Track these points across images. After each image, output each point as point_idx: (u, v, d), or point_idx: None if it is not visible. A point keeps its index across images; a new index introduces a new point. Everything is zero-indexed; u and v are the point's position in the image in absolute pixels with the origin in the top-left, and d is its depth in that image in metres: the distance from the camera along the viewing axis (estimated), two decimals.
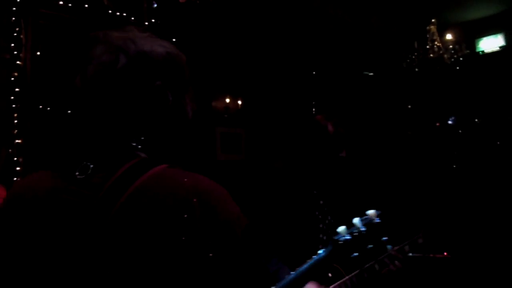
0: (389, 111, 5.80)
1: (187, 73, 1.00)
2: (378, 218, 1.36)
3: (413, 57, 5.38)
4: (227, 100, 4.95)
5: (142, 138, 0.94)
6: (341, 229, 1.39)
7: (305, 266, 1.43)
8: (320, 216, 2.15)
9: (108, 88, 0.91)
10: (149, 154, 0.95)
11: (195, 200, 0.85)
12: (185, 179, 0.88)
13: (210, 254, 0.84)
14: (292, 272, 1.97)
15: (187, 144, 1.03)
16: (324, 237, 2.12)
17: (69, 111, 4.08)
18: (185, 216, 0.83)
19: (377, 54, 5.81)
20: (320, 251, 1.42)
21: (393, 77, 5.86)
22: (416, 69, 5.41)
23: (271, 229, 2.16)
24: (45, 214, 0.88)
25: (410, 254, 1.87)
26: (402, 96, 5.95)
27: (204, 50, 4.71)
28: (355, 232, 1.36)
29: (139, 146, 0.94)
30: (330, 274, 1.95)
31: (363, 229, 1.35)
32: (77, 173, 0.91)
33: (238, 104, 5.03)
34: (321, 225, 2.13)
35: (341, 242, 1.36)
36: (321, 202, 2.17)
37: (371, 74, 5.89)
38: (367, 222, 1.37)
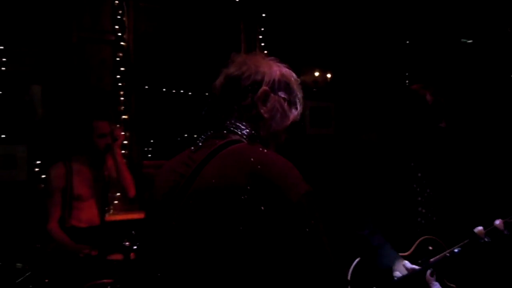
0: (491, 80, 5.41)
1: (296, 91, 1.26)
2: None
3: None
4: (316, 74, 4.93)
5: (244, 125, 1.18)
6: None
7: None
8: (418, 189, 2.11)
9: (231, 90, 1.20)
10: (248, 137, 1.17)
11: (256, 169, 1.00)
12: (252, 153, 1.05)
13: (266, 213, 0.96)
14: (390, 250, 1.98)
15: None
16: (423, 210, 2.08)
17: (163, 89, 4.32)
18: (245, 184, 0.99)
19: (476, 19, 5.42)
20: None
21: (495, 43, 5.44)
22: None
23: (369, 202, 2.16)
24: (162, 182, 1.19)
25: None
26: (505, 65, 5.51)
27: (293, 23, 4.71)
28: None
29: (236, 130, 1.16)
30: (430, 247, 1.93)
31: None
32: (192, 149, 1.18)
33: (327, 77, 4.99)
34: (419, 198, 2.10)
35: None
36: (419, 174, 2.12)
37: (470, 41, 5.52)
38: None
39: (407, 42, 5.17)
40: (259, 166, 1.01)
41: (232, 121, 1.18)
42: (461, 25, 5.39)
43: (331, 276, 0.98)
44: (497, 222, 1.71)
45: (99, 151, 3.01)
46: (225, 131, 1.17)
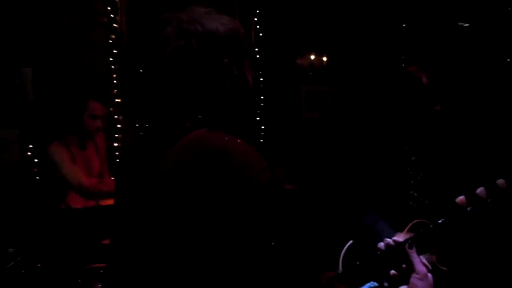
0: (487, 64, 5.40)
1: (245, 43, 1.15)
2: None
3: None
4: (312, 57, 4.90)
5: (208, 108, 1.10)
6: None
7: None
8: (411, 173, 2.11)
9: (182, 67, 1.09)
10: (212, 120, 1.09)
11: (218, 156, 0.97)
12: (214, 140, 1.01)
13: (227, 203, 0.94)
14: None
15: (271, 103, 1.16)
16: (415, 194, 2.08)
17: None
18: (207, 171, 0.97)
19: (473, 2, 5.38)
20: None
21: (493, 27, 5.41)
22: None
23: (361, 185, 2.16)
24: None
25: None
26: (501, 49, 5.49)
27: (288, 6, 4.67)
28: None
29: (196, 113, 1.09)
30: (422, 230, 1.93)
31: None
32: (153, 134, 1.20)
33: (323, 60, 4.96)
34: (412, 182, 2.10)
35: None
36: (413, 158, 2.12)
37: (467, 25, 5.49)
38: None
39: (404, 25, 5.13)
40: (221, 153, 0.97)
41: (190, 101, 1.10)
42: (458, 8, 5.36)
43: (284, 263, 0.95)
44: (479, 190, 1.68)
45: (86, 131, 3.00)
46: (183, 114, 1.11)
